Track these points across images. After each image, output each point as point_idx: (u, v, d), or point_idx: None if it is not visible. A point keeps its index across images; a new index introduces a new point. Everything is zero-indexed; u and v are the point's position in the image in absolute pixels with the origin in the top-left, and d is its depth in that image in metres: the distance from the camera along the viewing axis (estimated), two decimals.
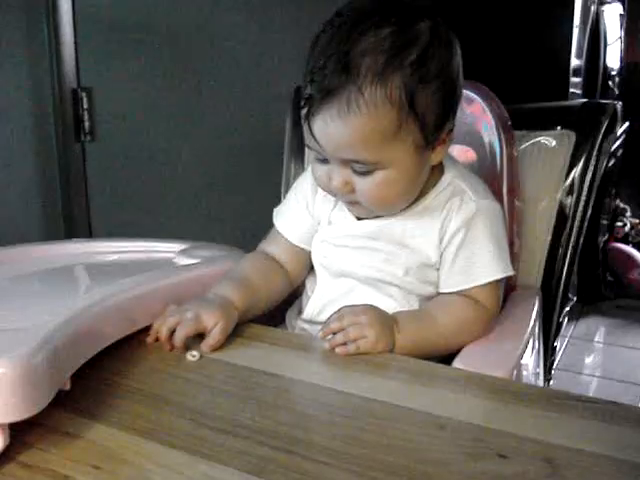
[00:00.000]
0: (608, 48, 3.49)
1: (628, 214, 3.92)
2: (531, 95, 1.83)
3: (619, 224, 3.80)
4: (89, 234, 1.77)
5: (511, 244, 1.19)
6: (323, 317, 1.04)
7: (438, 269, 1.01)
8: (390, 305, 0.98)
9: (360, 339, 0.88)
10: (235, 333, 0.94)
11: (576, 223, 1.23)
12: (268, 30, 2.09)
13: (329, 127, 0.88)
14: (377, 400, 0.76)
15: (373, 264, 1.02)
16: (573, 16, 2.82)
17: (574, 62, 2.99)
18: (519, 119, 1.26)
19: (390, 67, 0.86)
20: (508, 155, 1.19)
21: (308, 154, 1.36)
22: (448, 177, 1.02)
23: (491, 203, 1.02)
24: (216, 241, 1.22)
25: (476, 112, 1.20)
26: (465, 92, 1.21)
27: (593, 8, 3.34)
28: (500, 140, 1.19)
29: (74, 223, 1.75)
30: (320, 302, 1.08)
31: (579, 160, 1.23)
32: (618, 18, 3.80)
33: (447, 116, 0.95)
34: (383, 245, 1.01)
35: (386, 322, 0.92)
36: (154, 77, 1.92)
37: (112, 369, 0.84)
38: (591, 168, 1.22)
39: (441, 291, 1.01)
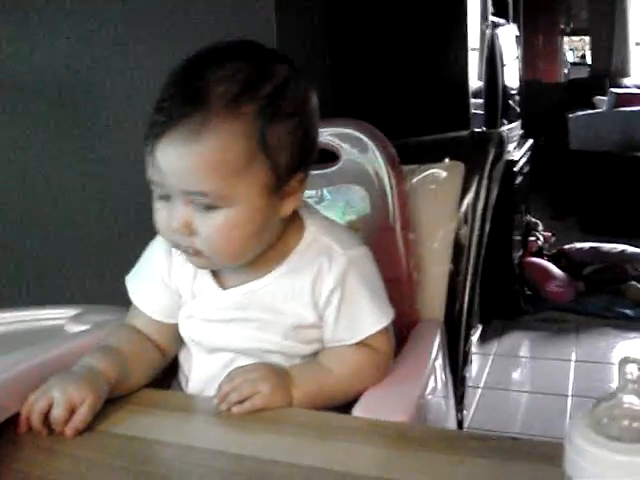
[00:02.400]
0: (506, 68, 3.59)
1: (540, 228, 4.02)
2: (433, 122, 1.86)
3: (532, 239, 3.89)
4: None
5: (409, 279, 1.20)
6: (207, 394, 0.99)
7: (319, 327, 0.97)
8: None
9: (254, 395, 0.86)
10: (126, 400, 0.91)
11: (473, 251, 1.24)
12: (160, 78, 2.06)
13: (173, 154, 0.83)
14: (273, 460, 0.75)
15: (248, 334, 0.97)
16: (467, 40, 2.88)
17: (475, 84, 3.06)
18: (408, 153, 1.26)
19: (243, 97, 0.84)
20: (399, 191, 1.19)
21: None
22: (311, 232, 0.97)
23: (359, 251, 0.98)
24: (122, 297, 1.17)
25: (363, 151, 1.20)
26: (351, 132, 1.22)
27: (488, 32, 3.44)
28: (389, 177, 1.19)
29: None
30: (201, 380, 1.01)
31: (470, 190, 1.24)
32: (514, 39, 3.92)
33: (300, 162, 0.91)
34: (255, 313, 0.96)
35: (278, 376, 0.90)
36: (41, 137, 1.87)
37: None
38: (482, 196, 1.24)
39: (329, 346, 0.98)
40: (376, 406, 0.89)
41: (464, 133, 1.38)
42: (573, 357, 3.02)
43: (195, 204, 0.86)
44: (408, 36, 2.74)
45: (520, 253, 3.63)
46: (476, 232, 1.24)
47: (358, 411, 0.87)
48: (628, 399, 0.54)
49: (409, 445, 0.76)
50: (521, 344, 3.30)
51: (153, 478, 0.73)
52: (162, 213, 0.89)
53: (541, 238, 3.96)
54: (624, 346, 3.13)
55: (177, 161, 0.83)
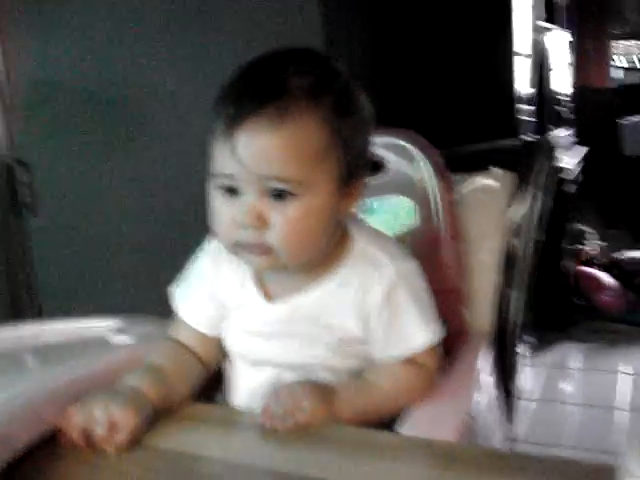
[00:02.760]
0: (554, 74, 3.53)
1: (591, 237, 3.93)
2: (478, 130, 1.82)
3: (583, 247, 3.80)
4: (38, 313, 1.72)
5: (458, 290, 1.17)
6: (252, 407, 0.99)
7: (365, 342, 0.95)
8: None
9: (297, 412, 0.83)
10: (170, 413, 0.90)
11: (524, 263, 1.21)
12: (205, 89, 2.06)
13: (256, 139, 0.83)
14: (318, 478, 0.73)
15: (293, 349, 0.95)
16: (512, 46, 2.84)
17: (526, 91, 3.00)
18: (457, 162, 1.24)
19: (320, 89, 0.86)
20: (447, 201, 1.17)
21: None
22: (359, 244, 0.96)
23: (408, 263, 0.97)
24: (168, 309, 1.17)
25: (410, 161, 1.18)
26: (397, 141, 1.20)
27: (537, 37, 3.38)
28: (438, 187, 1.17)
29: (20, 303, 1.70)
30: (246, 394, 1.01)
31: (520, 199, 1.21)
32: (567, 45, 3.86)
33: (363, 163, 0.93)
34: (300, 328, 0.94)
35: (323, 392, 0.87)
36: (95, 148, 1.89)
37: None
38: (534, 207, 1.21)
39: (377, 362, 0.96)
40: (421, 423, 0.86)
41: (514, 141, 1.35)
42: (627, 370, 2.93)
43: (269, 195, 0.85)
44: (454, 42, 2.71)
45: (571, 262, 3.55)
46: (528, 244, 1.21)
47: (404, 428, 0.85)
48: None
49: (455, 465, 0.73)
50: (573, 355, 3.21)
51: None
52: (227, 209, 0.88)
53: (593, 247, 3.87)
54: None
55: (260, 145, 0.83)
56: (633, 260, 3.76)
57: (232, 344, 1.01)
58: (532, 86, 3.25)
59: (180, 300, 1.04)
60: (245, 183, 0.85)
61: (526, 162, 1.23)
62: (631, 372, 2.91)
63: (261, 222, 0.85)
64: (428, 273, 0.99)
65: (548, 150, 1.22)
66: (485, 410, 1.00)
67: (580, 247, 3.76)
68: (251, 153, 0.84)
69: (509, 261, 1.21)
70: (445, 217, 1.17)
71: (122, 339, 1.04)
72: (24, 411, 0.79)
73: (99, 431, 0.81)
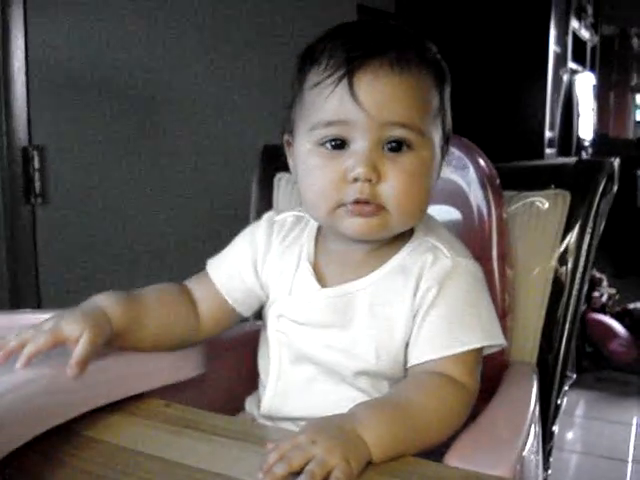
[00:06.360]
0: (581, 119, 3.47)
1: (604, 284, 3.85)
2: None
3: (596, 294, 3.72)
4: (37, 304, 1.62)
5: (502, 316, 1.06)
6: (284, 412, 0.89)
7: (405, 346, 0.85)
8: (355, 398, 0.79)
9: (331, 474, 0.64)
10: (182, 423, 0.79)
11: (574, 292, 1.11)
12: (232, 88, 1.99)
13: (377, 82, 0.78)
14: None
15: (340, 346, 0.86)
16: (547, 88, 2.78)
17: (547, 134, 2.93)
18: (508, 178, 1.14)
19: (424, 54, 0.84)
20: (497, 217, 1.07)
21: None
22: (420, 234, 0.89)
23: (470, 262, 0.87)
24: None
25: (460, 170, 1.08)
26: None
27: (565, 77, 3.32)
28: (488, 200, 1.07)
29: (20, 292, 1.60)
30: (278, 394, 0.91)
31: (575, 223, 1.11)
32: (591, 88, 3.80)
33: (449, 133, 0.89)
34: (350, 320, 0.86)
35: (346, 433, 0.69)
36: (111, 136, 1.80)
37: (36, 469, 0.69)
38: (588, 231, 1.11)
39: (409, 365, 0.84)
40: (473, 455, 0.73)
41: (570, 160, 1.25)
42: (634, 421, 2.84)
43: (383, 145, 0.80)
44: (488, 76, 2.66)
45: (583, 308, 3.47)
46: (579, 272, 1.11)
47: (452, 459, 0.73)
48: None
49: None
50: (578, 403, 3.14)
51: None
52: (332, 165, 0.81)
53: (605, 294, 3.79)
54: None
55: (384, 89, 0.79)
56: None
57: (276, 332, 0.91)
58: (557, 129, 3.19)
59: (216, 258, 0.97)
60: (360, 131, 0.79)
61: (584, 183, 1.12)
62: (637, 424, 2.83)
63: (376, 174, 0.79)
64: None
65: (610, 171, 1.12)
66: (532, 451, 0.89)
67: (593, 294, 3.69)
68: (374, 96, 0.78)
69: (558, 289, 1.11)
70: (494, 234, 1.07)
71: None
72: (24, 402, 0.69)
73: (39, 346, 0.74)
